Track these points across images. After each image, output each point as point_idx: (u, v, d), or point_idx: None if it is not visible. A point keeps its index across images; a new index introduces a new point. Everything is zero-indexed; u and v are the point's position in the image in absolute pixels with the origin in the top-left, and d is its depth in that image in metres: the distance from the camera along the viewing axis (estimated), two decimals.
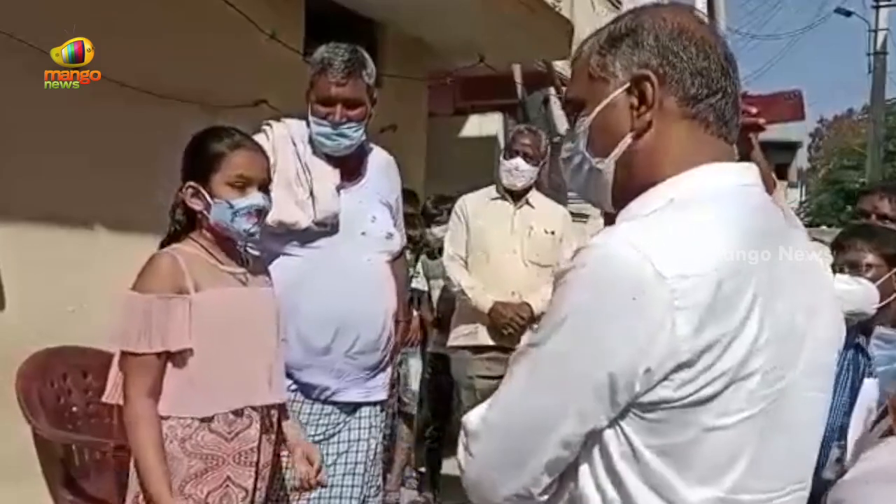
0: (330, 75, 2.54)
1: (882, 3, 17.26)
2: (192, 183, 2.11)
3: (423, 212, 4.77)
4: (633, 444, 1.01)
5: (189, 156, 2.16)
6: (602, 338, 0.99)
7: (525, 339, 1.13)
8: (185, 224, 2.16)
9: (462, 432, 1.11)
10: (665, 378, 0.98)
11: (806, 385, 1.08)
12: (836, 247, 2.48)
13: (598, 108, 1.12)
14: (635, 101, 1.10)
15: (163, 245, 2.15)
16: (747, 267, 1.02)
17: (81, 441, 3.22)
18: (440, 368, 4.67)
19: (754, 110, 2.10)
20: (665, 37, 1.09)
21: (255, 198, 2.11)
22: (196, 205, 2.12)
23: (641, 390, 0.99)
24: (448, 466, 5.00)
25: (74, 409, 3.36)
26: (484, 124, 7.76)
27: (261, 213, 2.14)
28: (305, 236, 2.56)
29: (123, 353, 2.04)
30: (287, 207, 2.50)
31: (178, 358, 2.05)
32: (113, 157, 3.66)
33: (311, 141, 2.62)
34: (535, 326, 1.10)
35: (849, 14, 18.21)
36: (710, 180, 1.08)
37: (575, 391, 1.02)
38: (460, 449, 1.11)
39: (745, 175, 1.12)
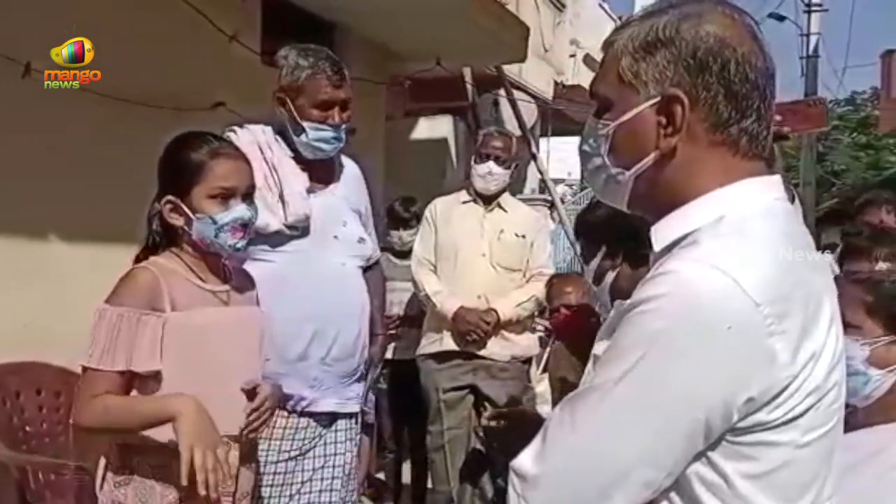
0: (326, 78, 2.53)
1: (813, 9, 17.76)
2: (170, 198, 1.98)
3: (389, 213, 4.69)
4: (723, 471, 0.98)
5: (165, 166, 2.03)
6: (695, 374, 0.94)
7: (589, 376, 1.04)
8: (162, 236, 2.04)
9: (512, 475, 1.03)
10: (766, 404, 0.95)
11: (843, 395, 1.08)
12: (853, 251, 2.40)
13: (623, 118, 1.07)
14: (663, 120, 1.04)
15: (138, 257, 2.03)
16: (817, 281, 1.02)
17: (41, 463, 3.07)
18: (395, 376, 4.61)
19: (779, 118, 2.07)
20: (704, 53, 1.02)
21: (239, 210, 1.99)
22: (176, 220, 1.99)
23: (739, 418, 0.95)
24: (406, 475, 4.93)
25: (28, 428, 3.22)
26: (434, 127, 7.74)
27: (247, 225, 2.02)
28: (277, 240, 2.51)
29: (84, 368, 1.91)
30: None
31: (147, 381, 1.92)
32: (69, 162, 3.54)
33: (286, 144, 2.58)
34: (596, 360, 1.03)
35: (782, 19, 18.69)
36: (754, 196, 1.05)
37: (662, 437, 0.96)
38: (511, 494, 1.03)
39: (779, 188, 1.09)
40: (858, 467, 1.67)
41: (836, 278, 2.15)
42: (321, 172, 2.65)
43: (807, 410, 0.97)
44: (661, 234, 1.06)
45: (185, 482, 1.80)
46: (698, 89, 1.03)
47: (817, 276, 1.03)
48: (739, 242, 0.99)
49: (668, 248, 1.04)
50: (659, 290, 0.96)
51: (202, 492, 1.79)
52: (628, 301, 1.00)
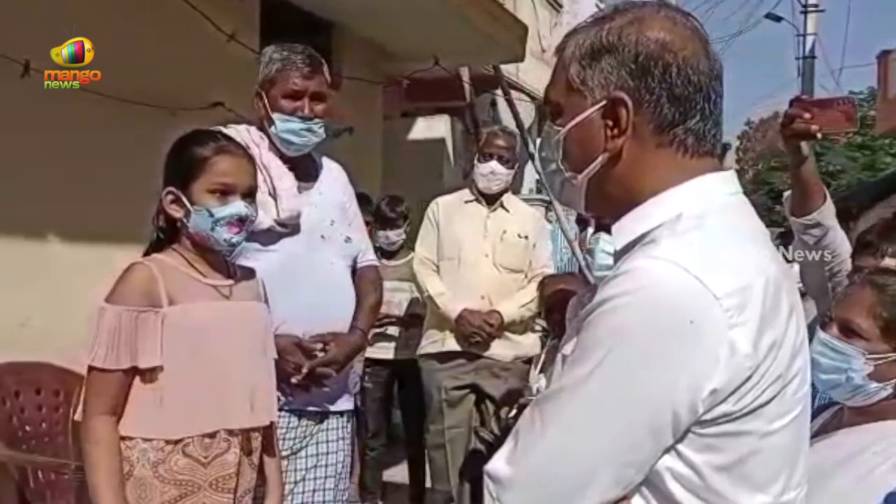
0: (296, 69, 2.52)
1: (810, 9, 17.79)
2: (171, 188, 2.02)
3: (376, 213, 4.66)
4: (693, 463, 0.99)
5: (171, 159, 2.06)
6: (660, 368, 0.96)
7: (560, 377, 1.06)
8: (167, 232, 2.07)
9: (486, 479, 1.05)
10: (730, 395, 0.97)
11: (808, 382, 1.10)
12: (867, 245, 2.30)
13: (572, 123, 1.11)
14: (610, 123, 1.08)
15: (146, 253, 2.05)
16: (774, 271, 1.03)
17: (41, 463, 3.07)
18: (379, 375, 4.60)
19: (808, 115, 2.02)
20: (645, 58, 1.06)
21: (236, 206, 2.02)
22: (175, 212, 2.02)
23: (705, 411, 0.97)
24: (387, 474, 4.94)
25: (28, 427, 3.21)
26: (432, 127, 7.73)
27: (243, 221, 2.04)
28: (267, 238, 2.49)
29: (89, 368, 1.93)
30: None
31: (147, 375, 1.94)
32: (66, 162, 3.52)
33: (271, 143, 2.56)
34: (565, 360, 1.05)
35: (779, 19, 18.74)
36: (710, 192, 1.08)
37: (631, 432, 0.97)
38: (487, 498, 1.05)
39: (733, 183, 1.12)
40: (840, 468, 1.68)
41: (851, 281, 2.06)
42: (305, 172, 2.64)
43: (771, 399, 1.00)
44: (622, 232, 1.10)
45: None
46: (641, 93, 1.06)
47: (774, 267, 1.05)
48: (698, 238, 1.02)
49: (629, 247, 1.07)
50: (621, 289, 0.98)
51: None
52: (593, 300, 1.02)
